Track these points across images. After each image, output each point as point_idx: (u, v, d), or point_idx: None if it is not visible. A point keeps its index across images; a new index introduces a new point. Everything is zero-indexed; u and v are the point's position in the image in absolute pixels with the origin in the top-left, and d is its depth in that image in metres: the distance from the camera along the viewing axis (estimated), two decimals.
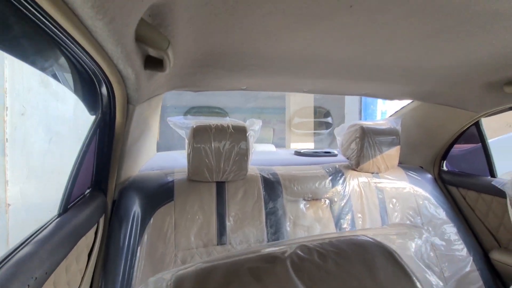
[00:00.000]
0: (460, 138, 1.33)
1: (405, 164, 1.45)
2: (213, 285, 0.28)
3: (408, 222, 1.22)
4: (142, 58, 0.55)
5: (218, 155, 1.02)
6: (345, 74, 0.93)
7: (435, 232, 1.20)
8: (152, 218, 0.93)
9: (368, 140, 1.24)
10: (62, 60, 0.54)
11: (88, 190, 0.81)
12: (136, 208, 0.93)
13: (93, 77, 0.61)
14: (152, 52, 0.55)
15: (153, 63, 0.58)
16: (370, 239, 0.35)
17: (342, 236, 0.35)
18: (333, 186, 1.19)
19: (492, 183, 1.11)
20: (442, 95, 1.15)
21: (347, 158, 1.32)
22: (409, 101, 1.45)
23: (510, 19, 0.53)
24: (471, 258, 1.16)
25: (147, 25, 0.43)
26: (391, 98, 1.37)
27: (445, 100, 1.19)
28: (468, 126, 1.26)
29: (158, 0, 0.39)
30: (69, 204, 0.67)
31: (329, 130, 4.68)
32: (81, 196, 0.76)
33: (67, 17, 0.33)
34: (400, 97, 1.34)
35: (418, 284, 0.30)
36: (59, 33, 0.37)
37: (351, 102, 4.34)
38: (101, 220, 0.84)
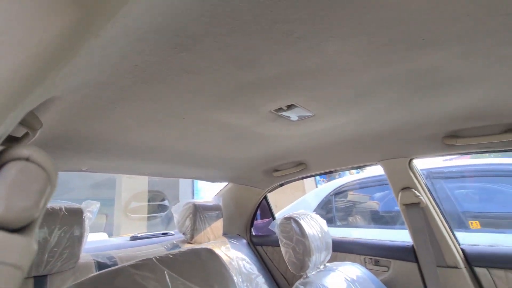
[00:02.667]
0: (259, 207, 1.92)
1: (227, 233, 1.83)
2: None
3: None
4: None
5: (42, 245, 0.92)
6: (179, 161, 1.22)
7: (251, 285, 1.55)
8: None
9: (199, 215, 1.53)
10: None
11: None
12: None
13: None
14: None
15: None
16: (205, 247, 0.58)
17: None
18: None
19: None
20: (244, 178, 1.70)
21: (183, 234, 1.52)
22: (227, 182, 1.95)
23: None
24: None
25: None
26: (213, 180, 1.81)
27: (246, 181, 1.75)
28: (261, 199, 1.86)
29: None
30: None
31: (165, 212, 4.69)
32: None
33: None
34: (219, 179, 1.80)
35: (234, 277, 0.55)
36: None
37: (185, 184, 4.74)
38: None
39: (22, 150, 0.15)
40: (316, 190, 3.15)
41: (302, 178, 1.63)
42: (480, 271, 1.08)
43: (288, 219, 1.13)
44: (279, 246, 1.77)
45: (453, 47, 0.54)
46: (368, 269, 1.23)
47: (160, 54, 0.49)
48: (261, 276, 1.63)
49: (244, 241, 1.80)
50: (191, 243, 1.48)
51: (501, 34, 0.50)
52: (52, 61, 0.19)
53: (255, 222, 1.96)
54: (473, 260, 1.10)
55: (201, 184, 4.66)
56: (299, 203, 2.93)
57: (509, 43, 0.53)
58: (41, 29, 0.15)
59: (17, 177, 0.15)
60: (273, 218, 1.93)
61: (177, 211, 1.58)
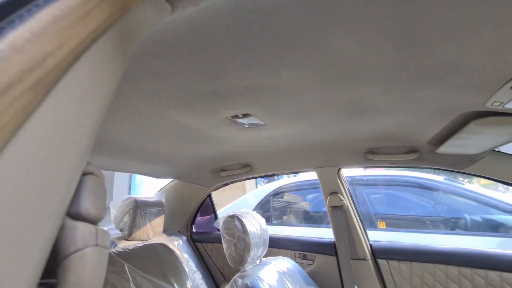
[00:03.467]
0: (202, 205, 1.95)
1: (167, 230, 1.81)
2: None
3: None
4: None
5: None
6: (128, 155, 1.18)
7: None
8: None
9: (140, 212, 1.48)
10: None
11: None
12: None
13: None
14: None
15: None
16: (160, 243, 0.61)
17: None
18: None
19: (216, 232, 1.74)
20: (191, 176, 1.71)
21: (120, 230, 1.45)
22: (171, 179, 1.92)
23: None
24: None
25: None
26: (158, 176, 1.77)
27: (193, 179, 1.77)
28: (205, 197, 1.90)
29: None
30: None
31: None
32: None
33: None
34: (165, 176, 1.77)
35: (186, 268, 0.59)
36: None
37: (121, 179, 4.39)
38: None
39: (89, 167, 0.20)
40: (257, 190, 3.32)
41: (247, 179, 1.74)
42: (381, 262, 1.35)
43: (232, 217, 1.21)
44: (218, 243, 1.84)
45: (376, 86, 0.70)
46: (297, 262, 1.40)
47: (133, 59, 0.51)
48: (198, 272, 1.66)
49: (185, 237, 1.81)
50: (128, 240, 1.43)
51: (410, 81, 0.68)
52: None
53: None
54: (377, 253, 1.37)
55: (139, 179, 4.39)
56: (240, 202, 3.05)
57: (415, 88, 0.71)
58: None
59: (93, 187, 0.19)
60: (216, 216, 1.98)
61: (115, 207, 1.50)
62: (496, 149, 1.13)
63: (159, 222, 1.60)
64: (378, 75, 0.64)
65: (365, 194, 2.32)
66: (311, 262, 1.52)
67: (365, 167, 1.48)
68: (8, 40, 0.16)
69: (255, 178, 1.77)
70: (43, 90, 0.17)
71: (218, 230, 1.95)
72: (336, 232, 1.42)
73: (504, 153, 1.15)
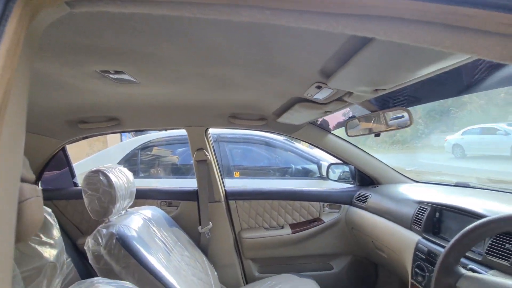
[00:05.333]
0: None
1: None
2: None
3: None
4: None
5: None
6: None
7: None
8: None
9: None
10: None
11: None
12: None
13: None
14: None
15: None
16: None
17: None
18: None
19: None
20: (41, 127, 1.44)
21: None
22: None
23: None
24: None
25: None
26: None
27: (42, 131, 1.49)
28: (57, 150, 1.66)
29: None
30: None
31: None
32: None
33: None
34: None
35: None
36: None
37: None
38: None
39: None
40: (123, 143, 3.11)
41: (112, 133, 1.65)
42: (231, 202, 1.74)
43: (96, 172, 1.18)
44: (74, 199, 1.70)
45: (239, 70, 0.89)
46: (162, 209, 1.57)
47: None
48: None
49: None
50: None
51: (262, 71, 0.90)
52: None
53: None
54: (229, 196, 1.75)
55: None
56: (101, 156, 2.79)
57: (265, 76, 0.95)
58: None
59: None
60: (71, 172, 1.78)
61: None
62: (311, 122, 1.66)
63: None
64: (241, 62, 0.83)
65: (227, 149, 2.72)
66: (175, 208, 1.73)
67: (228, 128, 1.75)
68: None
69: (122, 132, 1.71)
70: None
71: (75, 185, 1.78)
72: (199, 182, 1.67)
73: (314, 124, 1.70)
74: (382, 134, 1.18)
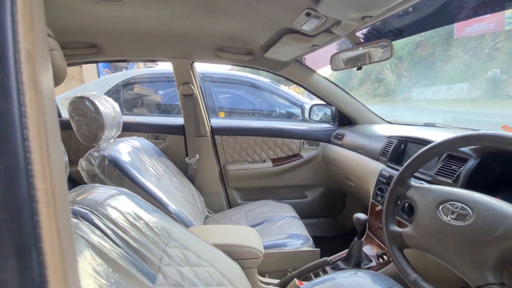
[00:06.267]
0: None
1: None
2: None
3: None
4: None
5: None
6: None
7: None
8: None
9: None
10: None
11: None
12: None
13: None
14: None
15: None
16: None
17: None
18: None
19: None
20: None
21: None
22: None
23: None
24: None
25: None
26: None
27: None
28: None
29: None
30: None
31: None
32: None
33: None
34: None
35: None
36: None
37: None
38: None
39: None
40: (100, 80, 2.98)
41: (93, 62, 1.58)
42: (217, 137, 1.82)
43: (82, 98, 1.18)
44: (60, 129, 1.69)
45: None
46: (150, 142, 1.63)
47: None
48: None
49: None
50: None
51: None
52: None
53: None
54: (214, 131, 1.81)
55: None
56: (79, 91, 2.68)
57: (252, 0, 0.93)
58: None
59: None
60: None
61: None
62: (298, 60, 1.67)
63: None
64: None
65: (212, 90, 2.69)
66: (162, 141, 1.79)
67: (214, 63, 1.72)
68: None
69: (103, 62, 1.64)
70: None
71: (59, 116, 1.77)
72: (185, 116, 1.71)
73: (300, 63, 1.71)
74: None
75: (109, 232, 0.56)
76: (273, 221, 1.44)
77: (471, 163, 0.89)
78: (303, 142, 1.88)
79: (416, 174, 1.08)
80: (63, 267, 0.17)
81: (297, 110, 2.79)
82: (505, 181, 0.86)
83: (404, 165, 0.85)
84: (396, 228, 0.80)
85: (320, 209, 1.94)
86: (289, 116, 2.87)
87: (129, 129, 1.73)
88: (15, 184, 0.16)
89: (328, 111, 1.97)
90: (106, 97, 1.35)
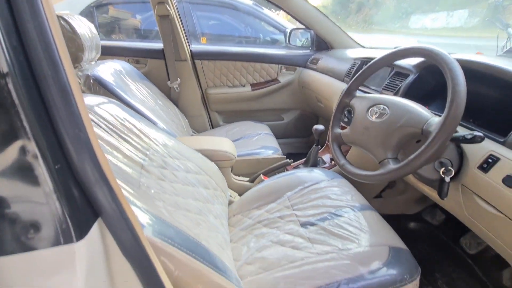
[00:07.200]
0: None
1: None
2: None
3: None
4: None
5: None
6: None
7: None
8: None
9: None
10: None
11: None
12: None
13: None
14: None
15: None
16: None
17: None
18: None
19: None
20: None
21: None
22: None
23: None
24: None
25: None
26: None
27: None
28: None
29: None
30: None
31: None
32: None
33: None
34: None
35: None
36: None
37: None
38: None
39: None
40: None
41: None
42: (197, 62, 1.87)
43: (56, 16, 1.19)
44: None
45: None
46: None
47: None
48: None
49: None
50: None
51: None
52: None
53: None
54: (194, 55, 1.86)
55: None
56: None
57: None
58: None
59: None
60: None
61: None
62: None
63: None
64: None
65: (192, 12, 2.57)
66: (143, 65, 1.84)
67: None
68: None
69: None
70: None
71: None
72: (163, 38, 1.72)
73: None
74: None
75: (102, 124, 0.72)
76: (250, 137, 1.65)
77: (410, 77, 1.04)
78: (281, 67, 1.96)
79: (368, 90, 1.24)
80: None
81: (280, 37, 2.74)
82: (437, 92, 1.03)
83: (352, 80, 1.00)
84: (338, 130, 0.99)
85: (295, 130, 2.15)
86: (274, 43, 2.83)
87: (108, 52, 1.75)
88: None
89: (309, 36, 1.99)
90: (80, 17, 1.34)
